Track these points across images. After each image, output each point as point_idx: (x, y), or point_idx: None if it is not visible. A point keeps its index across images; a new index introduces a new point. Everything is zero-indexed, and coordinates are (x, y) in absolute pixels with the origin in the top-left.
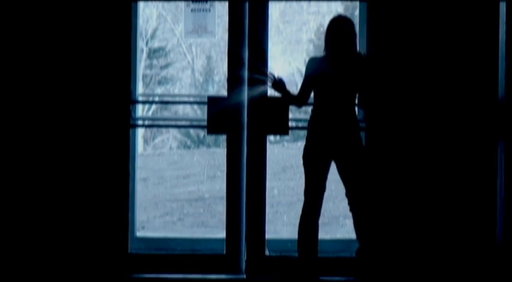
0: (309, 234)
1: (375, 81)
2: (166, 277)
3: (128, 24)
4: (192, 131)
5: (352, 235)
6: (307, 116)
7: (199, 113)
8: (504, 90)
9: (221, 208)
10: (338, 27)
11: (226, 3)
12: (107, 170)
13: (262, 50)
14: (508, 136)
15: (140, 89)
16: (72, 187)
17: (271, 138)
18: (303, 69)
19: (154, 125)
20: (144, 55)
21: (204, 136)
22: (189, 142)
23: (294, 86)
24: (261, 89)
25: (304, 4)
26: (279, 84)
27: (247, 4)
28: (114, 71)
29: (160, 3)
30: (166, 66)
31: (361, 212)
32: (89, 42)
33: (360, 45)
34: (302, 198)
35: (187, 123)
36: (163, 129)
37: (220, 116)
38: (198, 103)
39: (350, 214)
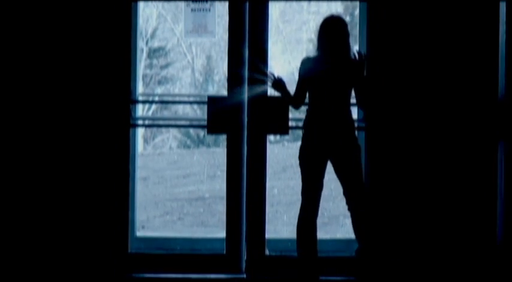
0: (308, 233)
1: (369, 81)
2: (166, 277)
3: (127, 24)
4: (192, 130)
5: (352, 235)
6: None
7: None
8: (504, 90)
9: (221, 208)
10: (330, 28)
11: (226, 3)
12: (107, 169)
13: (262, 50)
14: (508, 136)
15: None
16: (72, 187)
17: (271, 138)
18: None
19: (154, 124)
20: (144, 55)
21: (204, 136)
22: (189, 142)
23: (294, 85)
24: (261, 88)
25: (304, 4)
26: (278, 83)
27: (247, 4)
28: (114, 71)
29: (160, 3)
30: (166, 65)
31: (359, 211)
32: (89, 42)
33: (360, 45)
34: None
35: (187, 123)
36: (163, 129)
37: (220, 116)
38: (198, 103)
39: (350, 213)
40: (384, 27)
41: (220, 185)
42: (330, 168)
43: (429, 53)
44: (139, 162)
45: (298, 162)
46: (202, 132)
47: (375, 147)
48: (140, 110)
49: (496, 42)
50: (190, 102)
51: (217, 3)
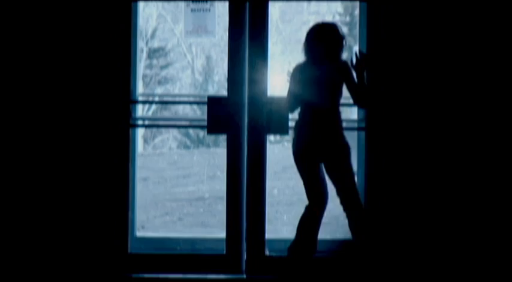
0: (311, 224)
1: (362, 82)
2: (166, 277)
3: (127, 24)
4: (191, 131)
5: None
6: None
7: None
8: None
9: (221, 208)
10: (313, 35)
11: (227, 3)
12: (107, 169)
13: (262, 50)
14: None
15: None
16: (72, 187)
17: (271, 138)
18: None
19: (154, 125)
20: (144, 55)
21: (203, 136)
22: (189, 142)
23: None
24: (261, 88)
25: (304, 4)
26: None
27: (247, 4)
28: (114, 71)
29: (160, 3)
30: (166, 66)
31: (354, 210)
32: (89, 42)
33: (360, 45)
34: (302, 197)
35: (187, 123)
36: (163, 129)
37: (220, 116)
38: (198, 103)
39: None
40: (383, 27)
41: (220, 185)
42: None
43: (429, 52)
44: (139, 162)
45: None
46: (202, 133)
47: (375, 147)
48: (140, 110)
49: (495, 43)
50: (190, 103)
51: (217, 4)
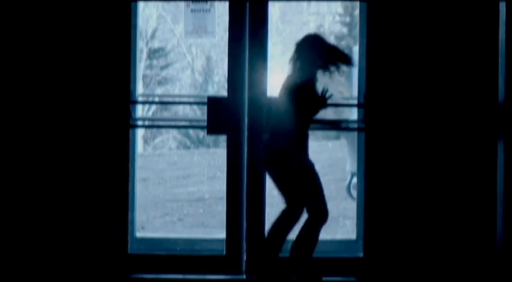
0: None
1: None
2: (166, 277)
3: (127, 25)
4: (191, 131)
5: (352, 235)
6: None
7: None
8: (504, 90)
9: (221, 208)
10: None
11: (227, 4)
12: (106, 170)
13: (262, 50)
14: (507, 135)
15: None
16: (72, 187)
17: None
18: None
19: (154, 125)
20: (144, 55)
21: (203, 136)
22: (189, 142)
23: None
24: (261, 89)
25: (305, 4)
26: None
27: (247, 4)
28: (114, 71)
29: (160, 4)
30: (166, 66)
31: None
32: (88, 42)
33: (360, 46)
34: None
35: (187, 123)
36: (163, 130)
37: (220, 117)
38: (198, 103)
39: (350, 214)
40: (383, 27)
41: (220, 186)
42: (326, 169)
43: (429, 53)
44: (139, 162)
45: None
46: (202, 133)
47: (374, 147)
48: (140, 111)
49: (496, 43)
50: (190, 103)
51: (217, 4)
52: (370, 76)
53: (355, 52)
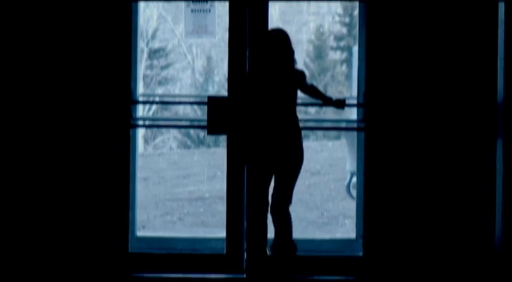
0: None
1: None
2: (167, 276)
3: (128, 25)
4: (192, 131)
5: (352, 235)
6: (307, 116)
7: (200, 113)
8: (503, 89)
9: (221, 208)
10: (272, 42)
11: (227, 4)
12: (107, 169)
13: None
14: (506, 134)
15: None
16: (73, 187)
17: None
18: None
19: (154, 125)
20: (145, 55)
21: (204, 136)
22: (189, 142)
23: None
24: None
25: (304, 5)
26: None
27: (247, 5)
28: (114, 71)
29: (160, 4)
30: (167, 66)
31: (281, 218)
32: (89, 43)
33: (359, 45)
34: (301, 197)
35: (188, 123)
36: (164, 130)
37: (220, 116)
38: (198, 103)
39: (349, 214)
40: (382, 27)
41: (220, 185)
42: (325, 168)
43: (428, 53)
44: (139, 162)
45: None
46: (202, 133)
47: (374, 146)
48: (141, 111)
49: (495, 42)
50: (191, 103)
51: (217, 4)
52: (370, 76)
53: (355, 52)
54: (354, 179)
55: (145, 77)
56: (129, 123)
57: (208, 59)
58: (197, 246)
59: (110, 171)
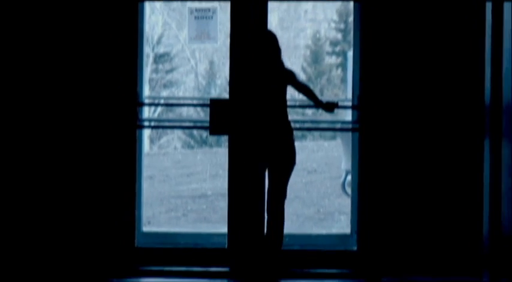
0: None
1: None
2: (171, 269)
3: (134, 31)
4: (195, 131)
5: (347, 230)
6: (304, 117)
7: (202, 114)
8: (490, 91)
9: (223, 204)
10: (260, 42)
11: (228, 11)
12: (115, 168)
13: None
14: (492, 134)
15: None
16: (82, 185)
17: None
18: (300, 74)
19: (159, 126)
20: (151, 60)
21: (206, 136)
22: (192, 142)
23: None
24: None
25: (302, 12)
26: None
27: (248, 12)
28: (122, 75)
29: (165, 11)
30: (171, 70)
31: (274, 216)
32: (98, 48)
33: (354, 51)
34: (299, 194)
35: (191, 124)
36: (168, 130)
37: (222, 118)
38: (201, 105)
39: (344, 210)
40: (376, 26)
41: (222, 183)
42: (326, 168)
43: (419, 56)
44: (145, 161)
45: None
46: (205, 133)
47: (367, 146)
48: (146, 112)
49: (483, 42)
50: (194, 105)
51: (219, 11)
52: (364, 79)
53: (350, 57)
54: (349, 177)
55: (151, 80)
56: (136, 124)
57: (211, 63)
58: (200, 241)
59: (117, 169)
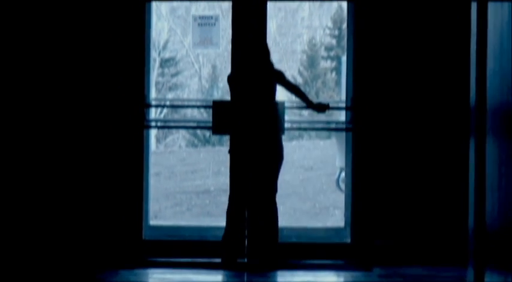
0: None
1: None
2: (177, 261)
3: (141, 38)
4: (199, 131)
5: (341, 223)
6: (301, 118)
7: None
8: (475, 92)
9: (225, 199)
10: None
11: (230, 18)
12: (124, 166)
13: None
14: (477, 134)
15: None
16: (94, 182)
17: None
18: (297, 77)
19: (165, 126)
20: (157, 64)
21: (209, 136)
22: (196, 141)
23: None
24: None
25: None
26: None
27: (248, 20)
28: (130, 78)
29: (171, 18)
30: (176, 74)
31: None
32: (107, 54)
33: (348, 56)
34: (296, 190)
35: (195, 124)
36: (174, 130)
37: (224, 118)
38: (205, 107)
39: (338, 205)
40: (369, 27)
41: (224, 180)
42: (322, 165)
43: (410, 61)
44: (152, 159)
45: (291, 158)
46: (208, 133)
47: (360, 145)
48: (153, 113)
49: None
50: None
51: (221, 18)
52: (357, 82)
53: (343, 61)
54: (343, 174)
55: (157, 83)
56: (143, 125)
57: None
58: (203, 233)
59: (126, 167)
